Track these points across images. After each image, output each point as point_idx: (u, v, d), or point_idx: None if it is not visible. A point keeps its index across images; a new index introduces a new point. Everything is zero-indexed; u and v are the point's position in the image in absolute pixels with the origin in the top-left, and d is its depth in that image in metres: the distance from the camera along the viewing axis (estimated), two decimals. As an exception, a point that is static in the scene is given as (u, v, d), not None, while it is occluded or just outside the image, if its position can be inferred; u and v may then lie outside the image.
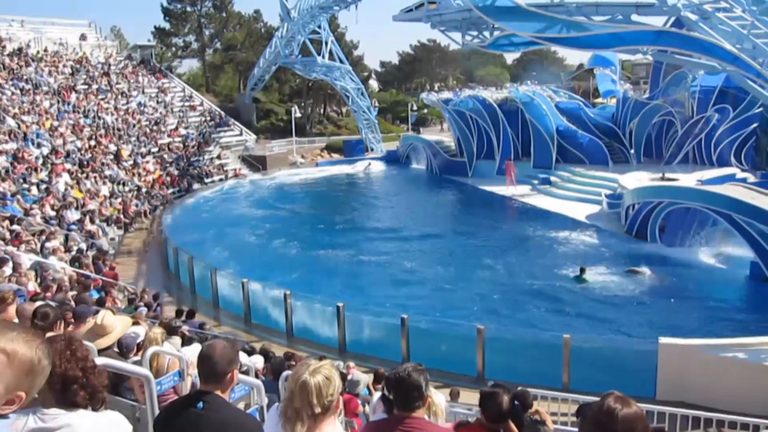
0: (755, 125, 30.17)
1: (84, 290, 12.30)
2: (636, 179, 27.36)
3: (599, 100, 52.29)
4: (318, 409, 2.87)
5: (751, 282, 19.04)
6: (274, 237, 26.58)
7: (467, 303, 18.38)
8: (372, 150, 53.33)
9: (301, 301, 16.72)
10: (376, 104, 58.35)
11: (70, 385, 2.52)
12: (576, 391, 10.89)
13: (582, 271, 19.71)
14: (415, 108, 63.92)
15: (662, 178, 27.09)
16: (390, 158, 50.03)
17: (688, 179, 26.28)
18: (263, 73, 55.06)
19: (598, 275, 20.22)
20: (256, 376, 7.59)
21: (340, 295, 17.29)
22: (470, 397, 10.29)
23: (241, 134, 50.14)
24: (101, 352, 4.68)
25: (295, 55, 50.12)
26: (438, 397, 5.75)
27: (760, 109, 29.03)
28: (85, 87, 41.93)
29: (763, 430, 6.47)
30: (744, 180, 25.88)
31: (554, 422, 7.84)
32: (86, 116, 37.37)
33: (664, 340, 12.39)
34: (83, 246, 19.43)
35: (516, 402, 4.77)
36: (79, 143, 32.76)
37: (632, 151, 35.48)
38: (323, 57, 48.95)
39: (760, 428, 7.61)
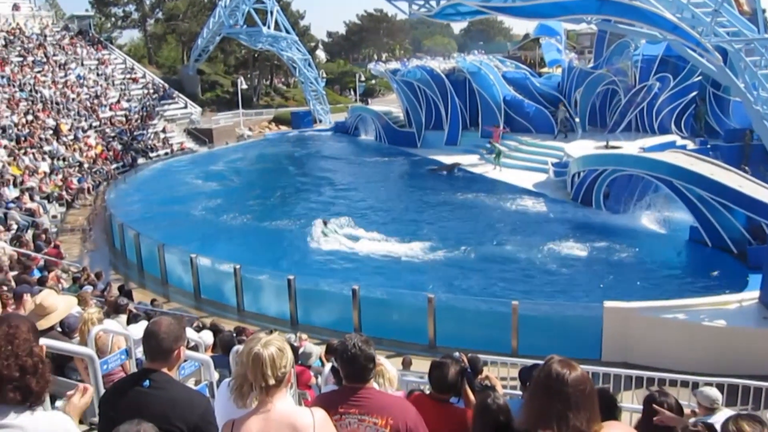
0: (694, 93, 30.87)
1: (25, 270, 11.96)
2: (581, 147, 27.80)
3: (545, 69, 52.73)
4: (272, 381, 2.87)
5: (691, 246, 19.65)
6: (223, 211, 26.15)
7: (415, 272, 18.49)
8: (320, 121, 52.89)
9: (251, 275, 16.57)
10: (324, 75, 57.76)
11: (5, 384, 2.43)
12: (524, 356, 11.09)
13: (324, 223, 21.13)
14: (363, 79, 63.48)
15: (606, 146, 27.59)
16: (338, 129, 49.63)
17: (630, 147, 26.82)
18: (207, 43, 53.75)
19: (544, 241, 20.54)
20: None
21: (290, 268, 17.23)
22: (423, 366, 10.42)
23: (185, 107, 48.99)
24: (43, 333, 4.55)
25: (240, 25, 49.02)
26: (389, 366, 5.78)
27: (699, 77, 29.70)
28: (20, 59, 40.31)
29: (702, 386, 6.73)
30: (684, 147, 26.50)
31: (504, 386, 7.99)
32: (22, 90, 36.02)
33: (608, 303, 12.72)
34: (23, 224, 18.83)
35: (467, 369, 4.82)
36: (15, 118, 31.58)
37: (577, 120, 35.99)
38: (269, 27, 47.99)
39: (699, 385, 7.90)
